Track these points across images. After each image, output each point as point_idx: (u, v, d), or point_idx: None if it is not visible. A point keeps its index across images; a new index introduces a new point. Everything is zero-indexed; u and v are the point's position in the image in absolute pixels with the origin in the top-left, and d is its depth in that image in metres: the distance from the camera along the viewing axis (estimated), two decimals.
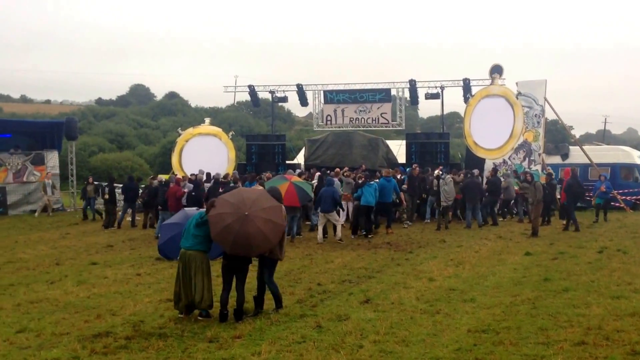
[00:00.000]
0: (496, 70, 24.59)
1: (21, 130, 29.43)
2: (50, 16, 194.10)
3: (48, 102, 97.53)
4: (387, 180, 18.47)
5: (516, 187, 21.20)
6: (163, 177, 23.18)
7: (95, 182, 25.27)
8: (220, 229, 8.49)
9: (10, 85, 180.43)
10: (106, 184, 23.34)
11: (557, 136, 47.49)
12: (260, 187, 16.87)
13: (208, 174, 21.25)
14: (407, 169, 21.97)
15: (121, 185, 24.08)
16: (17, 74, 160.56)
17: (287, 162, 28.31)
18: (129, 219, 21.87)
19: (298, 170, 22.80)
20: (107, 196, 21.63)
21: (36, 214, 25.15)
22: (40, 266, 13.85)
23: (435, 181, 19.67)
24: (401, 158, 27.09)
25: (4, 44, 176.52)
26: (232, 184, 18.76)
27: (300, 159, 30.35)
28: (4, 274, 13.04)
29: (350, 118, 28.22)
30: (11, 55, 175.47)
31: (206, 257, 9.02)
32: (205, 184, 20.32)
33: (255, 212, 8.46)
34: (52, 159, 28.14)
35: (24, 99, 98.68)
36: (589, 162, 25.13)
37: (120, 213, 21.90)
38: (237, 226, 8.33)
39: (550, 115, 28.32)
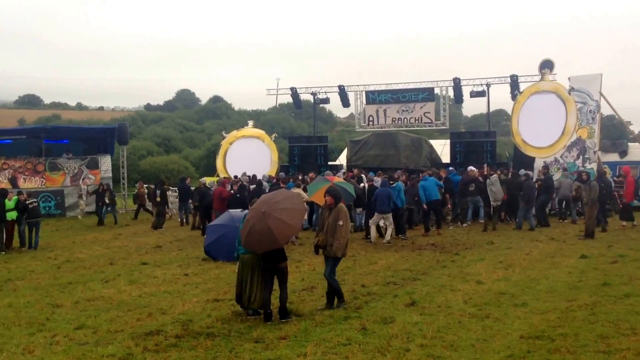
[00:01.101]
0: (546, 66, 23.96)
1: (77, 136, 30.97)
2: (102, 29, 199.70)
3: (101, 108, 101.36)
4: (425, 179, 18.39)
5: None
6: (208, 179, 23.52)
7: (145, 185, 25.91)
8: (245, 234, 8.77)
9: (67, 93, 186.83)
10: (153, 186, 24.14)
11: (614, 132, 45.96)
12: (297, 190, 16.90)
13: (253, 176, 21.34)
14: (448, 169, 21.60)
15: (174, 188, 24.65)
16: (73, 83, 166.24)
17: (329, 163, 28.29)
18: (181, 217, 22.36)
19: (342, 170, 22.74)
20: (158, 198, 22.01)
21: (79, 217, 25.77)
22: (95, 265, 14.43)
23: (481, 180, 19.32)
24: (445, 158, 26.75)
25: (59, 56, 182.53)
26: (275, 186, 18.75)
27: (342, 160, 30.28)
28: (64, 272, 13.63)
29: (392, 118, 27.98)
30: (66, 66, 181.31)
31: (258, 259, 9.02)
32: (250, 186, 20.38)
33: (272, 210, 8.63)
34: (106, 162, 29.17)
35: (79, 106, 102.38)
36: None
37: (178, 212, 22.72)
38: (258, 225, 8.56)
39: (606, 111, 27.34)
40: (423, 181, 18.29)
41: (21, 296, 11.08)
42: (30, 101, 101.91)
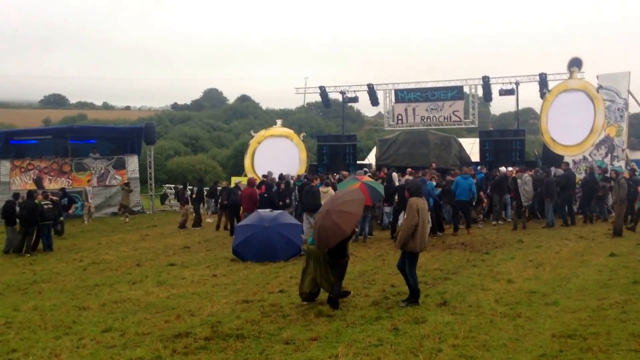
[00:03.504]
0: (575, 64, 23.64)
1: (104, 136, 30.96)
2: (130, 29, 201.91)
3: (128, 108, 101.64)
4: (464, 178, 18.17)
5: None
6: (236, 179, 23.64)
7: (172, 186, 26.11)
8: (314, 227, 9.70)
9: (94, 93, 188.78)
10: (181, 187, 24.12)
11: None
12: (327, 188, 16.95)
13: (281, 175, 21.41)
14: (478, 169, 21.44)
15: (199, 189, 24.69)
16: (99, 82, 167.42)
17: (358, 162, 28.20)
18: (209, 220, 22.38)
19: (365, 169, 22.71)
20: (194, 196, 22.15)
21: (85, 222, 25.10)
22: (122, 267, 14.42)
23: (512, 181, 19.15)
24: (474, 156, 26.57)
25: (87, 56, 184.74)
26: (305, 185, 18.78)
27: (371, 158, 30.19)
28: (90, 274, 13.65)
29: (421, 117, 27.82)
30: (93, 65, 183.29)
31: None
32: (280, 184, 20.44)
33: (334, 206, 9.38)
34: (132, 163, 29.17)
35: (105, 106, 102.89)
36: None
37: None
38: (320, 222, 9.34)
39: (633, 109, 26.99)
40: (462, 179, 18.18)
41: (47, 299, 11.09)
42: (55, 101, 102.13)
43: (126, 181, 27.05)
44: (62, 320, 9.42)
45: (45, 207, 17.65)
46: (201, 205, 23.54)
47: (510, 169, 20.20)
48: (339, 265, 9.51)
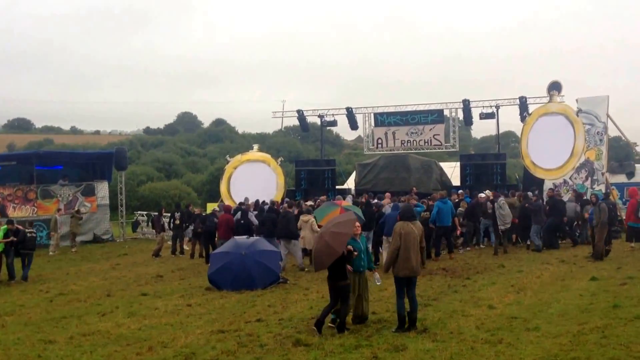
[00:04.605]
0: (555, 87, 23.93)
1: (72, 161, 29.81)
2: (97, 51, 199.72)
3: (97, 132, 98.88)
4: (443, 202, 18.09)
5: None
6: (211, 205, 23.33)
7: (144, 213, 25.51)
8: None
9: (61, 117, 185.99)
10: (155, 213, 23.88)
11: (621, 153, 45.72)
12: (308, 216, 16.73)
13: (256, 202, 21.15)
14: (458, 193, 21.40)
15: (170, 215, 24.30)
16: (66, 106, 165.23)
17: (337, 187, 28.09)
18: (186, 247, 21.97)
19: (349, 197, 22.58)
20: (177, 221, 21.68)
21: (51, 252, 23.87)
22: (91, 298, 13.93)
23: (489, 204, 19.15)
24: (455, 180, 26.58)
25: (52, 77, 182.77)
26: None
27: (350, 183, 30.11)
28: (57, 306, 13.15)
29: (401, 141, 27.89)
30: (60, 88, 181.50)
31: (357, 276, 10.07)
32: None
33: (326, 229, 9.66)
34: (102, 189, 28.31)
35: (73, 131, 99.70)
36: None
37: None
38: (315, 247, 9.69)
39: (612, 132, 27.33)
40: (441, 203, 18.14)
41: (10, 332, 10.61)
42: (20, 125, 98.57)
43: (76, 209, 26.09)
44: (27, 355, 9.03)
45: (29, 234, 17.11)
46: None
47: (482, 195, 20.19)
48: (340, 288, 9.57)
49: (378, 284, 10.74)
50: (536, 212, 18.79)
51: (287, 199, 22.65)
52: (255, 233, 17.85)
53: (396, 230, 9.52)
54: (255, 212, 19.47)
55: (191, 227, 21.59)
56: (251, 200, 21.05)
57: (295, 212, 17.62)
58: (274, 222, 17.28)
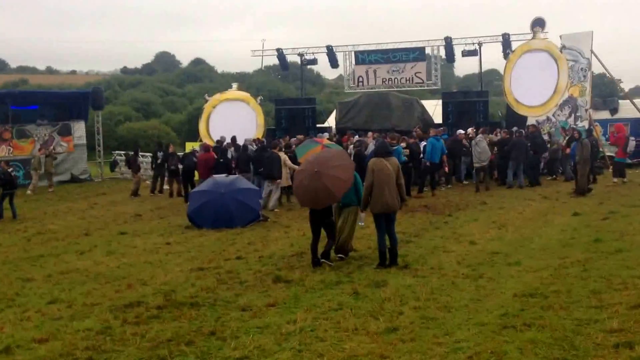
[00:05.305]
0: (538, 24, 23.49)
1: (47, 101, 29.15)
2: None
3: (74, 72, 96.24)
4: (437, 139, 18.06)
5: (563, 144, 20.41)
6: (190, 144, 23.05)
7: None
8: (295, 184, 10.01)
9: (36, 57, 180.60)
10: (131, 152, 23.63)
11: (605, 90, 45.61)
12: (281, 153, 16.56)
13: (233, 139, 20.81)
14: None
15: (150, 155, 24.00)
16: (42, 45, 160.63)
17: (318, 125, 27.79)
18: (166, 187, 21.77)
19: (326, 134, 22.35)
20: (159, 161, 21.30)
21: (30, 191, 23.49)
22: (69, 237, 13.77)
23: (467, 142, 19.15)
24: (437, 118, 26.38)
25: (26, 16, 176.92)
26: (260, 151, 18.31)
27: (331, 122, 29.81)
28: (34, 245, 13.01)
29: (382, 79, 27.49)
30: (35, 27, 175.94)
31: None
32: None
33: (324, 169, 9.44)
34: (79, 129, 27.99)
35: (49, 70, 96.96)
36: None
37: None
38: (306, 182, 9.46)
39: (596, 69, 27.03)
40: (435, 140, 18.05)
41: None
42: None
43: (52, 148, 25.82)
44: (5, 292, 8.94)
45: (13, 174, 17.00)
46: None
47: (461, 132, 20.08)
48: (327, 224, 9.79)
49: (361, 224, 10.66)
50: (514, 148, 18.72)
51: (274, 140, 22.30)
52: (236, 171, 17.66)
53: (369, 167, 9.48)
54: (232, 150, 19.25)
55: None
56: (228, 139, 20.73)
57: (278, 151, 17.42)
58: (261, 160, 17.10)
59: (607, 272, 8.33)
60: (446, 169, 19.00)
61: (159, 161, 21.33)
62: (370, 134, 20.81)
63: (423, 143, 18.65)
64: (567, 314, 6.76)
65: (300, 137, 21.16)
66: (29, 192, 23.32)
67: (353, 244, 10.39)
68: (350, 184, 9.68)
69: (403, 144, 17.65)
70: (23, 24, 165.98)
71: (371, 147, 17.52)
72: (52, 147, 25.95)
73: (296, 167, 16.28)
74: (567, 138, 20.04)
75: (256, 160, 17.54)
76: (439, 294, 7.73)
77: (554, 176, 20.34)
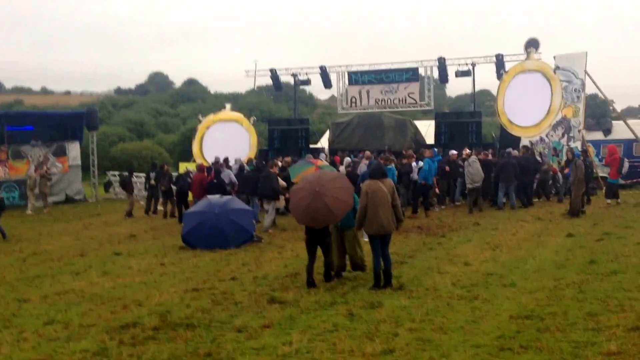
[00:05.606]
0: (532, 44, 23.66)
1: (43, 122, 29.14)
2: (67, 8, 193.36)
3: (68, 93, 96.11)
4: (432, 161, 18.17)
5: (554, 165, 20.50)
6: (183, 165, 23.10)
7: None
8: (294, 202, 9.93)
9: (31, 77, 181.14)
10: (126, 173, 23.61)
11: (596, 111, 45.88)
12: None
13: (225, 159, 20.87)
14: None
15: (144, 175, 24.08)
16: (37, 66, 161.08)
17: (311, 146, 27.86)
18: (160, 207, 21.78)
19: (323, 155, 22.43)
20: (152, 182, 21.35)
21: (29, 212, 23.64)
22: (64, 257, 13.72)
23: (461, 163, 19.24)
24: (430, 139, 26.51)
25: (23, 37, 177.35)
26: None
27: (324, 142, 29.90)
28: (30, 265, 12.95)
29: (376, 99, 27.63)
30: (31, 48, 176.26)
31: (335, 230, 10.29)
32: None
33: (324, 190, 9.52)
34: (74, 149, 28.03)
35: (44, 91, 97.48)
36: (634, 137, 24.04)
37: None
38: (306, 201, 9.51)
39: (590, 90, 27.19)
40: (431, 161, 18.23)
41: None
42: None
43: (46, 169, 25.56)
44: (2, 313, 8.87)
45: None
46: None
47: (454, 152, 20.17)
48: (325, 245, 9.91)
49: (365, 239, 10.71)
50: (503, 169, 18.81)
51: (270, 159, 22.31)
52: (234, 192, 17.68)
53: (363, 188, 9.53)
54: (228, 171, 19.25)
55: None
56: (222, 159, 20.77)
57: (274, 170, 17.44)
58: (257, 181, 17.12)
59: (603, 294, 8.32)
60: (437, 190, 19.06)
61: (151, 182, 21.37)
62: (367, 153, 20.89)
63: (420, 163, 18.69)
64: (564, 336, 6.74)
65: (287, 159, 21.14)
66: (29, 212, 23.45)
67: (364, 257, 10.37)
68: (351, 206, 9.73)
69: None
70: (18, 43, 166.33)
71: (363, 167, 17.62)
72: (45, 168, 25.79)
73: (283, 183, 16.46)
74: (564, 159, 20.14)
75: (251, 180, 17.54)
76: (434, 316, 7.71)
77: (545, 197, 20.40)
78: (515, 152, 20.17)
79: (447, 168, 19.41)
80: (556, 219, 16.17)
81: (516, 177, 18.89)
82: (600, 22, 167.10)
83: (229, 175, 18.44)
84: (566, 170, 19.35)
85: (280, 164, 18.92)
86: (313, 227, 9.74)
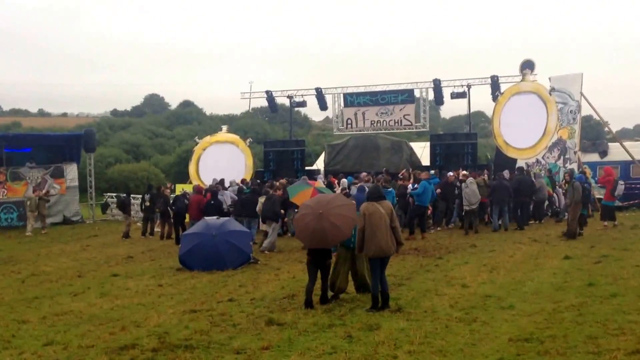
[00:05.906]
0: (527, 66, 23.74)
1: (41, 143, 29.67)
2: (64, 31, 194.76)
3: (65, 115, 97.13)
4: (429, 182, 18.25)
5: (549, 189, 20.55)
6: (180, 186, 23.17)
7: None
8: (300, 227, 10.06)
9: (28, 99, 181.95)
10: (123, 195, 23.74)
11: (591, 132, 46.09)
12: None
13: (221, 181, 20.90)
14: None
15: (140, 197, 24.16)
16: (34, 88, 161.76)
17: (307, 167, 27.89)
18: (157, 229, 21.82)
19: (320, 176, 22.48)
20: (147, 203, 21.42)
21: (29, 233, 23.75)
22: (63, 278, 13.80)
23: (458, 184, 19.29)
24: (425, 160, 26.57)
25: (20, 59, 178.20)
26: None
27: (319, 164, 29.95)
28: (29, 287, 13.00)
29: (371, 121, 27.65)
30: (27, 71, 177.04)
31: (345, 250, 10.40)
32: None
33: (327, 210, 9.72)
34: (72, 171, 28.21)
35: (41, 113, 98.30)
36: (631, 159, 24.14)
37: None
38: (313, 223, 9.64)
39: (586, 111, 27.30)
40: (426, 183, 18.27)
41: None
42: None
43: (45, 191, 25.95)
44: (1, 334, 8.86)
45: None
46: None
47: (450, 174, 20.21)
48: (326, 266, 10.00)
49: None
50: (495, 191, 18.85)
51: (269, 181, 22.31)
52: (232, 213, 17.73)
53: (361, 211, 9.54)
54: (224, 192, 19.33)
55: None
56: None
57: (279, 193, 17.50)
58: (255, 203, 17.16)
59: (602, 317, 8.27)
60: (429, 211, 19.09)
61: (147, 203, 21.39)
62: (364, 174, 20.92)
63: (416, 185, 18.72)
64: (564, 359, 6.72)
65: (283, 181, 21.21)
66: (28, 233, 23.57)
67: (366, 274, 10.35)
68: (356, 221, 9.76)
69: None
70: (15, 66, 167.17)
71: (354, 190, 17.66)
72: (44, 190, 26.05)
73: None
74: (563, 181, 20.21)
75: (250, 203, 17.60)
76: (433, 338, 7.67)
77: (538, 220, 20.42)
78: (506, 173, 20.20)
79: (439, 190, 19.34)
80: (553, 241, 16.13)
81: (510, 198, 18.93)
82: (595, 43, 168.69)
83: (230, 196, 18.50)
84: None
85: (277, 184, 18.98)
86: (323, 247, 9.84)
